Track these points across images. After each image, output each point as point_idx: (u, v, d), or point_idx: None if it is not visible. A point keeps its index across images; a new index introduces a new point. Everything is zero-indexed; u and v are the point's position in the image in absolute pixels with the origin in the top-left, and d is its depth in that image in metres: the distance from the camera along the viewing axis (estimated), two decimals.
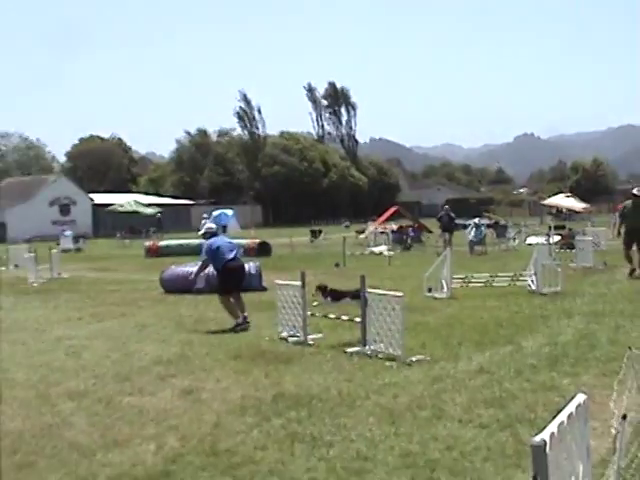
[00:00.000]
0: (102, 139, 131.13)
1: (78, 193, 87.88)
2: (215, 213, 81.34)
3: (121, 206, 70.52)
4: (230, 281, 16.20)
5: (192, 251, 38.80)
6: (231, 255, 16.22)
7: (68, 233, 56.78)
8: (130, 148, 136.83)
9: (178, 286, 22.22)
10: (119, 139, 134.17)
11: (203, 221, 51.55)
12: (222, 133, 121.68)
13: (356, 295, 13.17)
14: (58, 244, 47.75)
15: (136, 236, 62.16)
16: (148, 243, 45.22)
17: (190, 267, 23.16)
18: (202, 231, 17.21)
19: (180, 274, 22.87)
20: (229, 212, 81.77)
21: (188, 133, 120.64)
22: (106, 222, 78.41)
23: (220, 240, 16.71)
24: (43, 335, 15.16)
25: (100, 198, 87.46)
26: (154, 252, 41.72)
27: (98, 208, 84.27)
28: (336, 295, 14.06)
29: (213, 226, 17.34)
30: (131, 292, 23.35)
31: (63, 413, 9.26)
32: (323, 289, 14.09)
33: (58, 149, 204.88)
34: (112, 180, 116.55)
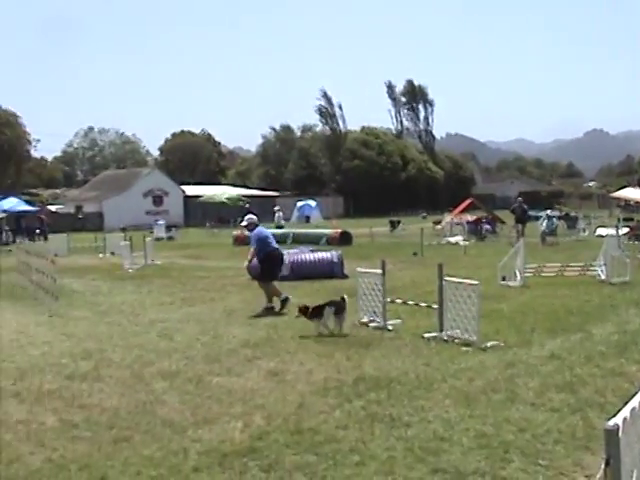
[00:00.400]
0: (193, 134, 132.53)
1: (170, 185, 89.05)
2: (299, 204, 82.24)
3: (211, 197, 71.55)
4: (275, 268, 17.67)
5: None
6: (275, 245, 17.83)
7: (161, 222, 57.84)
8: (219, 143, 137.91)
9: None
10: (209, 134, 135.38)
11: (277, 214, 52.19)
12: (305, 129, 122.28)
13: (331, 304, 13.90)
14: (152, 233, 48.66)
15: (224, 225, 62.90)
16: (236, 232, 45.73)
17: None
18: (245, 223, 18.33)
19: None
20: (312, 203, 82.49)
21: (273, 129, 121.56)
22: (196, 212, 79.47)
23: (264, 230, 18.09)
24: (138, 318, 15.70)
25: (191, 190, 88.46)
26: (242, 241, 42.12)
27: (189, 199, 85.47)
28: (318, 311, 14.01)
29: (255, 218, 18.32)
30: (220, 278, 23.79)
31: (156, 391, 9.71)
32: (304, 311, 14.11)
33: (152, 144, 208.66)
34: (202, 173, 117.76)
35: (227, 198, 71.86)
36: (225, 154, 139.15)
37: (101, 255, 37.16)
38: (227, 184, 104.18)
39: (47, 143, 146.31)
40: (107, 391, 9.80)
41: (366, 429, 7.93)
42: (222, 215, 70.28)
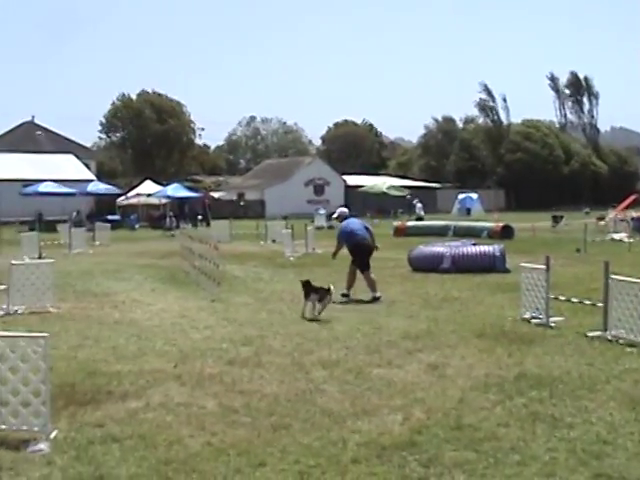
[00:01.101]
0: (355, 124, 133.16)
1: (332, 174, 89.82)
2: (460, 197, 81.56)
3: (372, 187, 71.77)
4: (365, 257, 18.16)
5: (438, 232, 38.99)
6: (365, 236, 18.33)
7: (322, 212, 58.36)
8: (380, 133, 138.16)
9: (425, 265, 22.70)
10: (370, 124, 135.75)
11: (417, 205, 51.80)
12: (467, 120, 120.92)
13: (317, 290, 14.83)
14: (312, 222, 49.09)
15: (385, 216, 62.96)
16: (396, 223, 45.77)
17: (437, 247, 23.53)
18: (336, 215, 19.53)
19: (427, 253, 23.32)
20: (474, 196, 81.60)
21: (436, 120, 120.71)
22: (357, 202, 79.82)
23: (352, 223, 18.64)
24: (298, 306, 15.80)
25: (352, 180, 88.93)
26: (402, 232, 42.22)
27: (350, 189, 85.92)
28: (306, 292, 14.96)
29: (345, 210, 19.28)
30: (381, 269, 23.63)
31: (316, 380, 9.74)
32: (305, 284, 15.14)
33: (314, 133, 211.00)
34: (363, 163, 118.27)
35: (388, 188, 71.82)
36: (386, 144, 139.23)
37: (262, 242, 37.79)
38: (388, 175, 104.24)
39: (211, 131, 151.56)
40: (267, 378, 9.89)
41: (527, 428, 7.75)
42: (382, 206, 70.32)
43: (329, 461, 6.88)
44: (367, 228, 18.82)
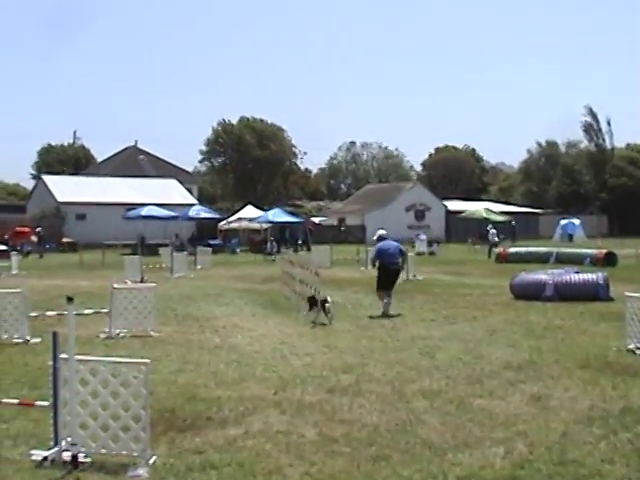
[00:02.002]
0: (456, 149, 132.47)
1: (433, 200, 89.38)
2: (562, 222, 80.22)
3: (472, 213, 71.17)
4: (386, 280, 19.99)
5: (540, 258, 38.39)
6: (393, 259, 20.13)
7: (423, 237, 58.08)
8: (482, 158, 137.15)
9: (528, 292, 22.35)
10: (472, 149, 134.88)
11: (490, 231, 51.10)
12: (570, 145, 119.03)
13: (318, 303, 17.72)
14: (413, 247, 48.85)
15: (486, 242, 62.30)
16: (498, 249, 45.28)
17: (540, 275, 23.14)
18: (375, 236, 21.46)
19: (530, 281, 22.96)
20: (576, 221, 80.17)
21: (539, 144, 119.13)
22: (458, 228, 79.27)
23: (388, 244, 20.44)
24: (399, 334, 15.70)
25: (453, 205, 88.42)
26: (503, 258, 41.76)
27: (450, 214, 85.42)
28: (310, 302, 18.10)
29: (384, 232, 21.26)
30: (482, 296, 23.54)
31: (417, 410, 9.60)
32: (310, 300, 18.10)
33: (415, 158, 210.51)
34: (464, 188, 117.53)
35: (488, 214, 71.17)
36: (487, 169, 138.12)
37: (363, 268, 37.68)
38: (489, 200, 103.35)
39: (312, 156, 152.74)
40: (367, 407, 9.80)
41: (633, 465, 7.48)
42: (483, 231, 69.62)
43: None
44: (402, 251, 20.57)
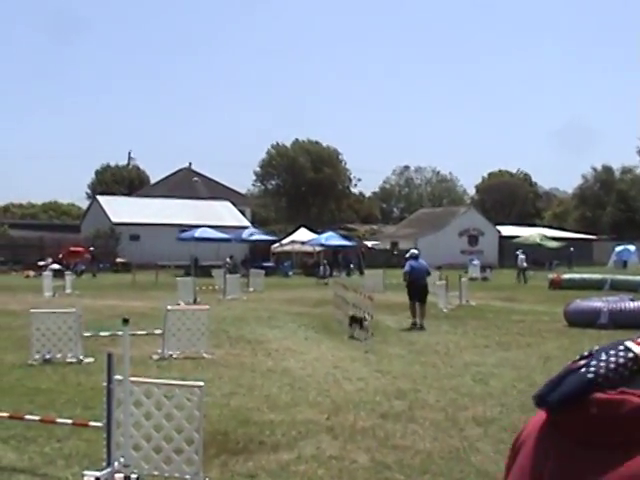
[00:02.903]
0: (510, 174, 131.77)
1: (486, 224, 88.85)
2: (618, 249, 79.23)
3: (526, 239, 70.66)
4: (415, 293, 22.95)
5: (594, 285, 37.95)
6: (418, 275, 23.15)
7: (476, 262, 57.75)
8: (535, 183, 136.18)
9: (582, 319, 22.11)
10: (525, 174, 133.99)
11: (521, 256, 50.69)
12: (625, 170, 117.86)
13: (358, 320, 19.28)
14: (466, 272, 48.56)
15: (539, 268, 61.80)
16: (552, 275, 44.86)
17: (594, 302, 22.86)
18: (408, 255, 24.64)
19: (584, 308, 22.70)
20: (631, 248, 79.14)
21: (594, 169, 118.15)
22: (511, 253, 78.69)
23: (417, 263, 23.63)
24: (452, 360, 15.60)
25: (506, 230, 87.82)
26: (557, 284, 41.34)
27: (504, 239, 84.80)
28: (352, 322, 19.55)
29: (416, 252, 24.67)
30: (535, 323, 23.32)
31: (470, 438, 9.49)
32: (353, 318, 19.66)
33: (468, 182, 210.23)
34: (517, 213, 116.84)
35: (542, 239, 70.64)
36: (541, 195, 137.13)
37: None
38: (543, 225, 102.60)
39: (365, 180, 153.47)
40: (420, 433, 9.70)
41: None
42: (537, 257, 69.11)
43: None
44: (427, 271, 24.09)
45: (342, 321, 21.92)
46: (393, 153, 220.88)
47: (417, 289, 22.88)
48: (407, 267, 23.53)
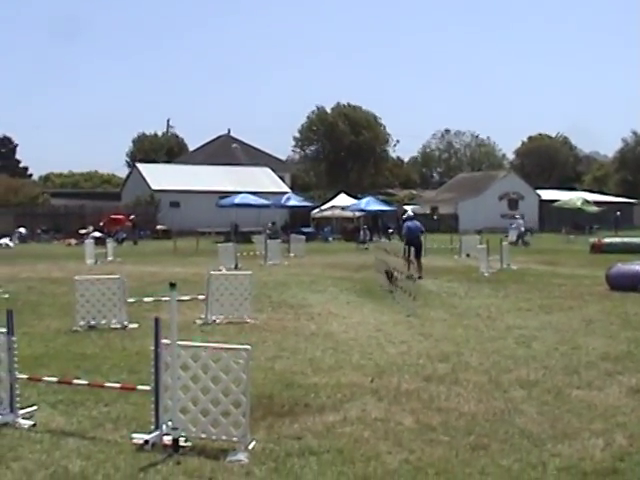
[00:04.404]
0: (549, 137, 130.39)
1: (526, 189, 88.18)
2: None
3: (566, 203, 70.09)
4: (417, 249, 26.59)
5: (636, 249, 37.65)
6: (414, 233, 26.85)
7: (521, 221, 57.47)
8: (575, 147, 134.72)
9: (624, 283, 21.94)
10: (565, 138, 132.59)
11: (520, 221, 50.27)
12: None
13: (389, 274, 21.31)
14: (506, 237, 48.34)
15: (580, 232, 61.35)
16: (593, 240, 44.53)
17: (636, 266, 22.69)
18: (405, 215, 29.23)
19: (626, 272, 22.53)
20: None
21: (634, 133, 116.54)
22: (551, 217, 78.13)
23: (412, 224, 27.20)
24: (494, 323, 15.62)
25: (546, 194, 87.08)
26: (599, 249, 41.05)
27: (544, 204, 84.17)
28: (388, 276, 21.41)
29: (411, 214, 29.27)
30: (577, 286, 23.22)
31: (514, 400, 9.53)
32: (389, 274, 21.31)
33: (508, 147, 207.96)
34: (557, 177, 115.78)
35: (582, 204, 70.02)
36: (581, 158, 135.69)
37: (456, 257, 37.60)
38: (583, 189, 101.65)
39: (405, 144, 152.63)
40: (464, 395, 9.76)
41: None
42: (578, 221, 68.60)
43: None
44: (422, 230, 27.79)
45: (384, 285, 21.99)
46: (431, 118, 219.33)
47: (414, 246, 26.50)
48: (404, 228, 27.37)
